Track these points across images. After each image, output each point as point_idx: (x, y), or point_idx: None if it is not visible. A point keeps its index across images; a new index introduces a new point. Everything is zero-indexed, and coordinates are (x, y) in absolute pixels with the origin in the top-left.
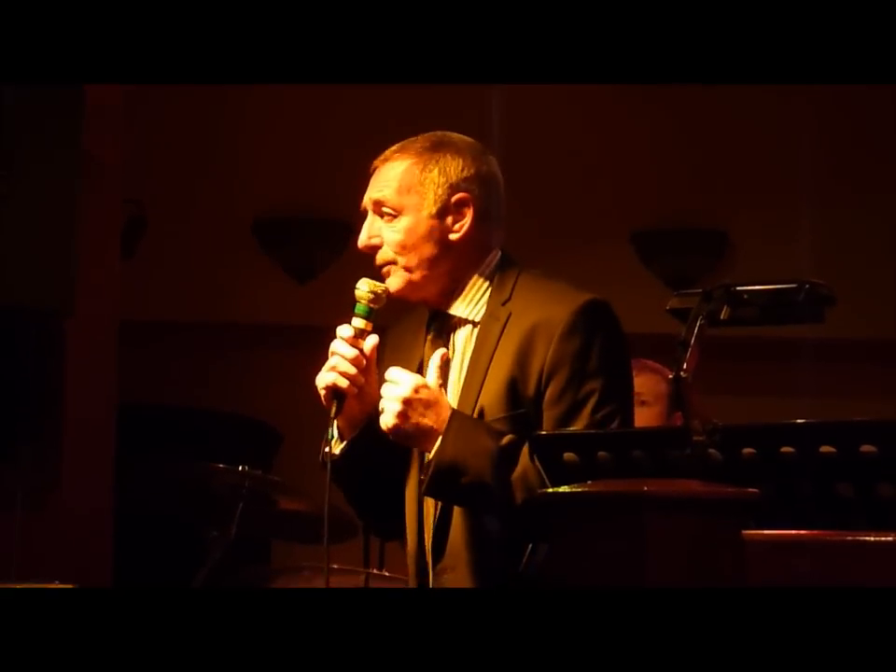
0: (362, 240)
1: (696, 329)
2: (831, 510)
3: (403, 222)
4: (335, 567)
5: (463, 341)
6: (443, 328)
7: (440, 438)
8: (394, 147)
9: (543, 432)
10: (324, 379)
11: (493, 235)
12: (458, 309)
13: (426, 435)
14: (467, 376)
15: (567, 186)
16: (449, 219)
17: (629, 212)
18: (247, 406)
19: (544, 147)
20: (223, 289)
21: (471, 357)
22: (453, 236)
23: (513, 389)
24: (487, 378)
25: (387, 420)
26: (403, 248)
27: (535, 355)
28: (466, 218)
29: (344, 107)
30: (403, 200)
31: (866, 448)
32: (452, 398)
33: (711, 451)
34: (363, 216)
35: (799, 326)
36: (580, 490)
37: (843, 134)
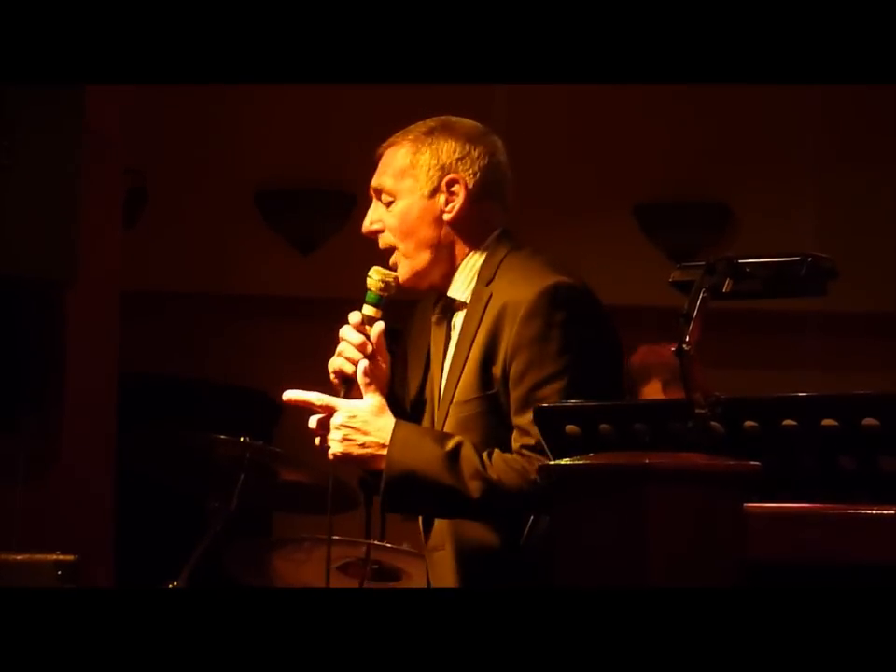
0: (364, 226)
1: (699, 301)
2: (833, 483)
3: (399, 206)
4: (336, 538)
5: (457, 320)
6: (445, 310)
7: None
8: (398, 133)
9: (546, 405)
10: (331, 364)
11: (493, 215)
12: (455, 291)
13: (374, 455)
14: (453, 359)
15: (569, 159)
16: (441, 200)
17: (632, 185)
18: (248, 377)
19: (546, 119)
20: (225, 260)
21: (458, 341)
22: (446, 216)
23: (485, 370)
24: (469, 359)
25: (333, 449)
26: (401, 232)
27: (501, 336)
28: (457, 199)
29: None
30: (398, 185)
31: (868, 421)
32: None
33: (713, 424)
34: (367, 190)
35: (801, 299)
36: (581, 462)
37: (846, 107)
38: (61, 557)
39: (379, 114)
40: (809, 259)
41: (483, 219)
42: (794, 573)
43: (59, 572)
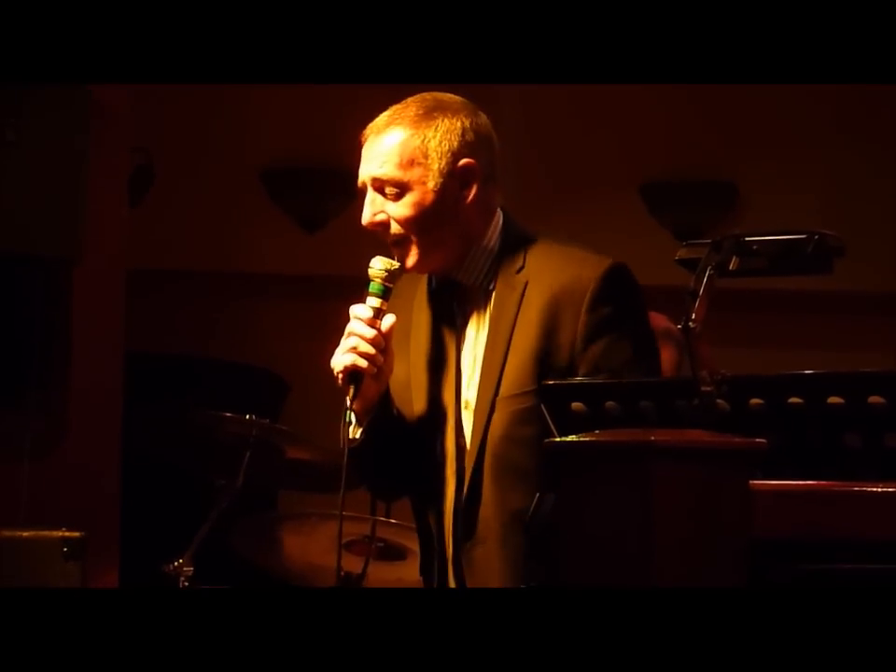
0: (366, 218)
1: (705, 279)
2: (838, 460)
3: (410, 197)
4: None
5: (474, 308)
6: (450, 295)
7: None
8: (384, 117)
9: (551, 381)
10: (342, 361)
11: (495, 195)
12: (467, 275)
13: None
14: (487, 349)
15: (576, 138)
16: (456, 188)
17: (638, 163)
18: (255, 355)
19: (553, 98)
20: (231, 238)
21: (490, 329)
22: (462, 204)
23: (542, 361)
24: (511, 350)
25: None
26: (414, 224)
27: (563, 325)
28: (472, 184)
29: None
30: (406, 174)
31: (874, 399)
32: (469, 371)
33: (719, 401)
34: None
35: (808, 277)
36: (587, 439)
37: (852, 86)
38: (67, 534)
39: (386, 92)
40: (816, 236)
41: (490, 201)
42: (799, 550)
43: (65, 549)
